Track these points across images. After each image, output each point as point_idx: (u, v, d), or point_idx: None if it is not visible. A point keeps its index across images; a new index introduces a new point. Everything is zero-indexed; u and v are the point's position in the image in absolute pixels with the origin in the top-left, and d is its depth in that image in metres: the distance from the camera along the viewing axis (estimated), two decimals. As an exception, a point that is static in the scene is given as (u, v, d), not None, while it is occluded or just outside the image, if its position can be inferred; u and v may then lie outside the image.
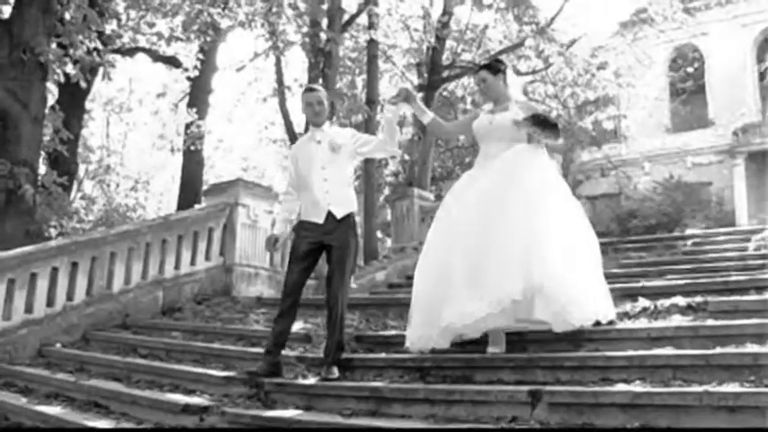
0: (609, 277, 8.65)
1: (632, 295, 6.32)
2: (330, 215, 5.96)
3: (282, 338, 6.01)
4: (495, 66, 5.96)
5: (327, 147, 6.10)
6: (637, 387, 4.25)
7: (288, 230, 6.53)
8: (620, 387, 4.29)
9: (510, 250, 5.07)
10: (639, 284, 6.89)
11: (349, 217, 6.05)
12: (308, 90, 6.41)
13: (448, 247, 5.43)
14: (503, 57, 23.33)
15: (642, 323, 5.55)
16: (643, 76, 25.21)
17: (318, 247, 6.03)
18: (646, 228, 20.04)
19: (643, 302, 6.00)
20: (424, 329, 5.44)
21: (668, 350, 4.73)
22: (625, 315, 5.86)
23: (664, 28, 22.90)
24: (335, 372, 5.70)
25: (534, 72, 23.57)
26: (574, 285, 5.10)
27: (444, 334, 5.36)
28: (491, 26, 23.48)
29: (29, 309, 8.77)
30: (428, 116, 6.13)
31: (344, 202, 6.06)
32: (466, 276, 5.16)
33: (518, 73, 24.08)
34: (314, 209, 6.03)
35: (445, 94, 26.04)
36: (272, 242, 6.29)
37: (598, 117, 27.12)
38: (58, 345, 8.75)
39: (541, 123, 5.50)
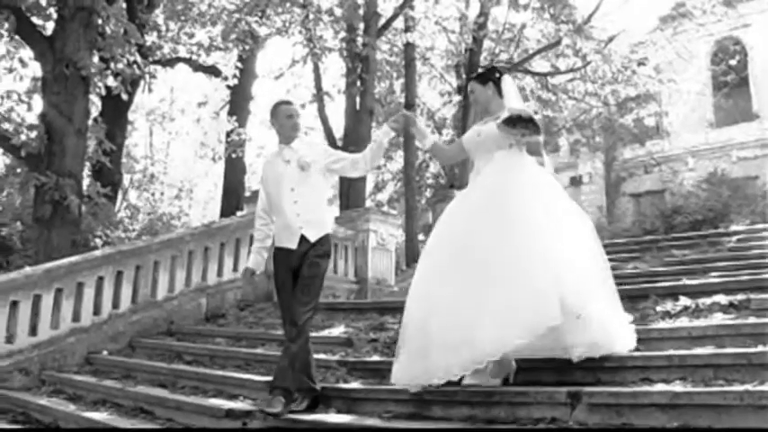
0: (652, 275, 8.70)
1: (674, 294, 6.23)
2: (303, 239, 5.56)
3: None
4: (484, 75, 5.53)
5: (296, 165, 5.69)
6: (677, 387, 4.22)
7: (264, 259, 5.95)
8: (660, 387, 4.26)
9: (534, 274, 4.53)
10: (681, 282, 6.80)
11: (323, 239, 5.63)
12: (286, 102, 6.00)
13: (449, 268, 4.87)
14: (540, 55, 23.33)
15: (683, 322, 5.50)
16: (684, 71, 24.87)
17: (295, 272, 5.59)
18: (690, 224, 19.72)
19: (684, 301, 5.93)
20: (423, 362, 4.77)
21: (709, 349, 4.69)
22: (666, 314, 5.81)
23: (704, 21, 22.59)
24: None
25: (573, 70, 23.40)
26: (604, 311, 4.76)
27: (464, 363, 4.61)
28: (528, 25, 23.34)
29: (76, 317, 8.97)
30: (429, 140, 5.76)
31: (317, 224, 5.64)
32: (479, 302, 4.58)
33: (557, 71, 24.02)
34: (286, 233, 5.62)
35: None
36: (248, 276, 5.93)
37: (639, 114, 26.78)
38: (105, 352, 8.92)
39: (512, 122, 4.88)
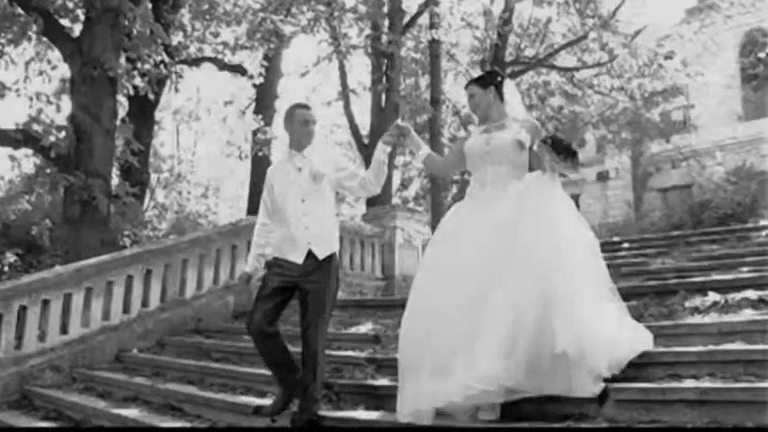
0: (680, 271, 8.65)
1: (703, 289, 6.18)
2: (311, 255, 5.20)
3: (290, 371, 5.28)
4: (485, 78, 5.22)
5: (309, 175, 5.34)
6: (706, 383, 4.20)
7: (262, 266, 5.59)
8: (689, 383, 4.24)
9: (538, 308, 4.22)
10: (710, 278, 6.74)
11: (331, 258, 5.29)
12: (304, 107, 5.62)
13: (447, 297, 4.57)
14: (566, 50, 23.18)
15: (712, 318, 5.46)
16: (712, 64, 24.63)
17: (291, 287, 5.25)
18: (719, 219, 19.51)
19: (713, 296, 5.88)
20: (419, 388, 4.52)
21: (739, 345, 4.66)
22: (695, 310, 5.76)
23: (732, 13, 22.39)
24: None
25: (599, 65, 23.26)
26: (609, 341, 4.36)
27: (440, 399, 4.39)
28: (553, 20, 23.25)
29: (106, 316, 9.07)
30: (424, 151, 5.45)
31: (327, 239, 5.30)
32: (471, 332, 4.32)
33: (583, 66, 23.89)
34: (291, 246, 5.25)
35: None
36: (245, 281, 5.63)
37: (666, 108, 26.54)
38: (135, 350, 9.02)
39: (564, 150, 4.65)
